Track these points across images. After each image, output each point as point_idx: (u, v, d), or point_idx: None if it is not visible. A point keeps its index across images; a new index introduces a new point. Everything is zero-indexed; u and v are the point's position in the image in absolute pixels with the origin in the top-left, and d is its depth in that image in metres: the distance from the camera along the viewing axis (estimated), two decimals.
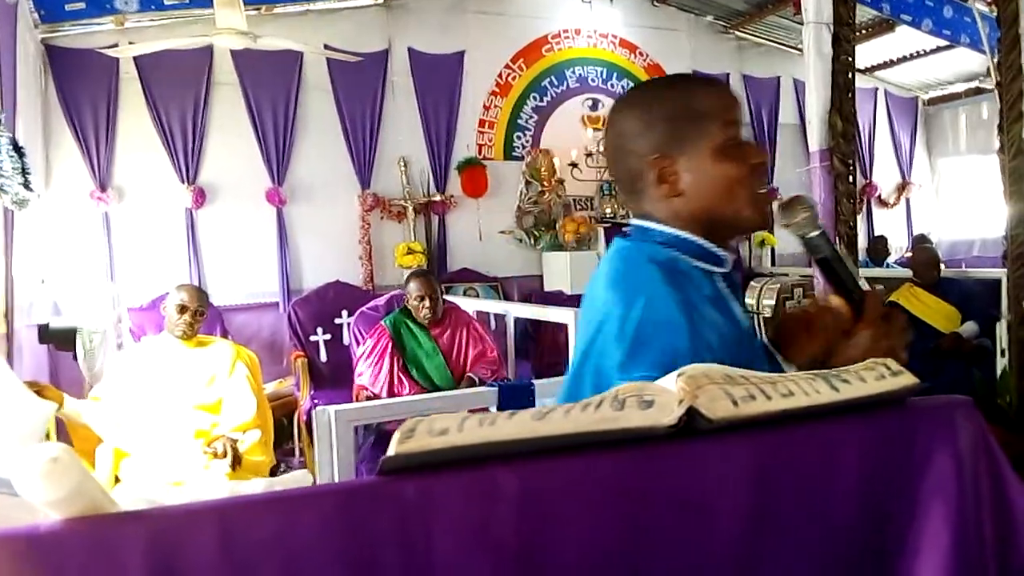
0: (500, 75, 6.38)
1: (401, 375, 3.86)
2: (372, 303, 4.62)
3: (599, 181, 6.19)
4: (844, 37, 3.82)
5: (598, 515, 0.49)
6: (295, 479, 2.36)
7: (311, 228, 5.75)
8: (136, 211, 5.28)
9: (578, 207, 6.28)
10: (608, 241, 5.83)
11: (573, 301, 5.55)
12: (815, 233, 1.15)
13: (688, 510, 0.52)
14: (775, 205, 1.29)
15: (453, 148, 6.14)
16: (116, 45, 5.02)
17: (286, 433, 4.85)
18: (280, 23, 5.53)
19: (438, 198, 6.06)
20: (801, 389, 0.56)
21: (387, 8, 5.97)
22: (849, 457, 0.55)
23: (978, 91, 7.81)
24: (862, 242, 7.57)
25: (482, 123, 6.31)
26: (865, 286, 1.15)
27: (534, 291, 6.16)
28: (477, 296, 6.01)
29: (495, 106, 6.35)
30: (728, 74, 7.30)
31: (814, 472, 0.55)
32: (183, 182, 5.32)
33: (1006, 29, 4.19)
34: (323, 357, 5.23)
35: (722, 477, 0.53)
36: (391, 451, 0.47)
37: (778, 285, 6.43)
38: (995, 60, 4.29)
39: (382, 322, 4.01)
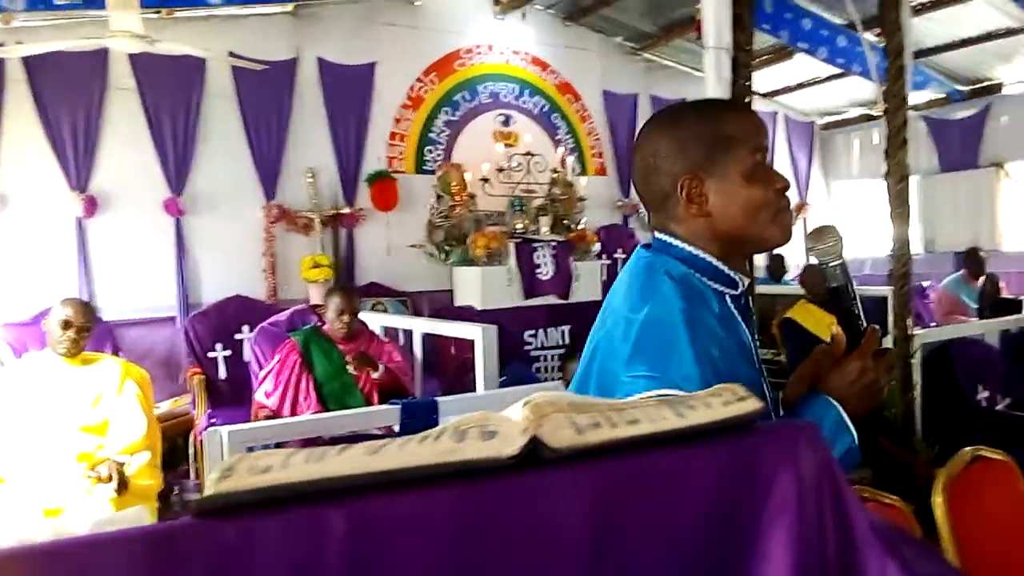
0: (412, 88, 6.35)
1: (307, 393, 3.77)
2: (273, 318, 4.50)
3: (510, 196, 6.21)
4: (742, 62, 3.97)
5: (434, 553, 0.48)
6: (129, 517, 2.24)
7: (211, 240, 5.56)
8: (21, 220, 4.99)
9: (489, 222, 6.28)
10: (519, 256, 5.89)
11: (484, 317, 5.55)
12: (836, 263, 1.24)
13: (531, 543, 0.51)
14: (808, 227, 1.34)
15: (363, 160, 6.06)
16: (2, 44, 4.75)
17: (181, 454, 4.65)
18: (182, 28, 5.35)
19: (347, 211, 5.96)
20: (647, 416, 0.56)
21: (295, 17, 5.85)
22: (696, 483, 0.56)
23: (869, 117, 8.25)
24: (762, 260, 7.87)
25: (393, 136, 6.26)
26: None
27: (445, 306, 6.11)
28: (386, 311, 5.92)
29: (406, 119, 6.31)
30: (637, 95, 7.49)
31: (660, 499, 0.55)
32: (73, 190, 5.06)
33: (892, 60, 4.45)
34: (222, 374, 5.05)
35: (565, 507, 0.52)
36: (208, 490, 0.44)
37: None
38: (883, 89, 4.55)
39: (291, 337, 3.91)
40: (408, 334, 4.78)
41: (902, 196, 4.44)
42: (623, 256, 7.30)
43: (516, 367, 4.73)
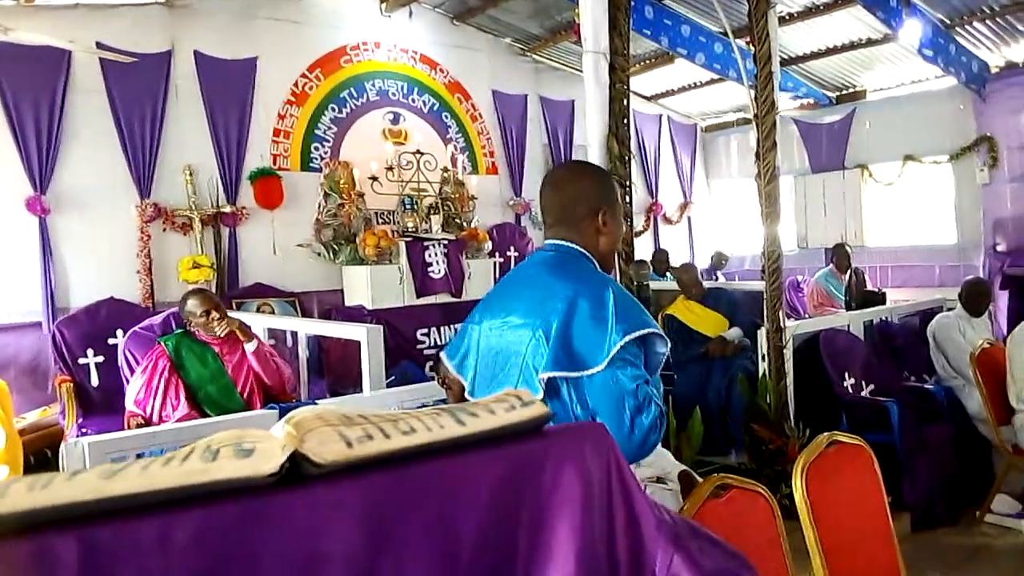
0: (296, 84, 6.19)
1: (181, 399, 3.62)
2: (146, 322, 4.28)
3: (400, 195, 6.15)
4: (620, 66, 4.06)
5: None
6: None
7: (81, 240, 5.25)
8: None
9: (380, 221, 6.21)
10: (410, 255, 5.84)
11: (375, 316, 5.49)
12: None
13: (291, 564, 0.50)
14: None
15: (245, 157, 5.87)
16: None
17: (49, 467, 4.38)
18: (44, 17, 5.03)
19: (228, 209, 5.76)
20: (424, 425, 0.56)
21: (169, 8, 5.60)
22: (477, 489, 0.56)
23: (746, 121, 8.62)
24: (646, 257, 8.10)
25: (277, 132, 6.08)
26: None
27: (334, 306, 6.00)
28: (272, 312, 5.76)
29: (291, 115, 6.15)
30: (526, 95, 7.56)
31: (438, 509, 0.55)
32: None
33: (761, 66, 4.65)
34: (94, 381, 4.79)
35: (333, 525, 0.51)
36: None
37: None
38: (753, 94, 4.76)
39: (160, 342, 3.74)
40: (295, 336, 4.67)
41: (772, 196, 4.66)
42: (515, 254, 7.36)
43: (405, 367, 4.70)
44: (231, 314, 3.95)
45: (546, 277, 1.78)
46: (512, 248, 7.35)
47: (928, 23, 6.07)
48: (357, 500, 0.51)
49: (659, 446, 3.30)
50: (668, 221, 8.85)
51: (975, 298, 4.88)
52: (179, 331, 3.83)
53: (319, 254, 5.94)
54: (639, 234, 8.42)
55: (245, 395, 3.76)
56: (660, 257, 7.49)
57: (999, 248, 6.87)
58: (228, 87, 5.80)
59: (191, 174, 5.62)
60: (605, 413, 1.66)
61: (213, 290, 5.48)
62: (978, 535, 4.05)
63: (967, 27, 6.33)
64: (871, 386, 4.60)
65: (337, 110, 6.39)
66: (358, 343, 3.81)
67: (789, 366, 4.49)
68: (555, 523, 0.56)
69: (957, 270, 6.66)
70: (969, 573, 3.64)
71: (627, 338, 1.61)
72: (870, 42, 6.83)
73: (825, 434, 2.51)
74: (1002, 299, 6.59)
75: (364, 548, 0.51)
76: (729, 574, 0.65)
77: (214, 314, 3.66)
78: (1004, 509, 4.16)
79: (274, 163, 6.02)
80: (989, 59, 6.80)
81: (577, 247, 1.82)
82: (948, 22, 6.26)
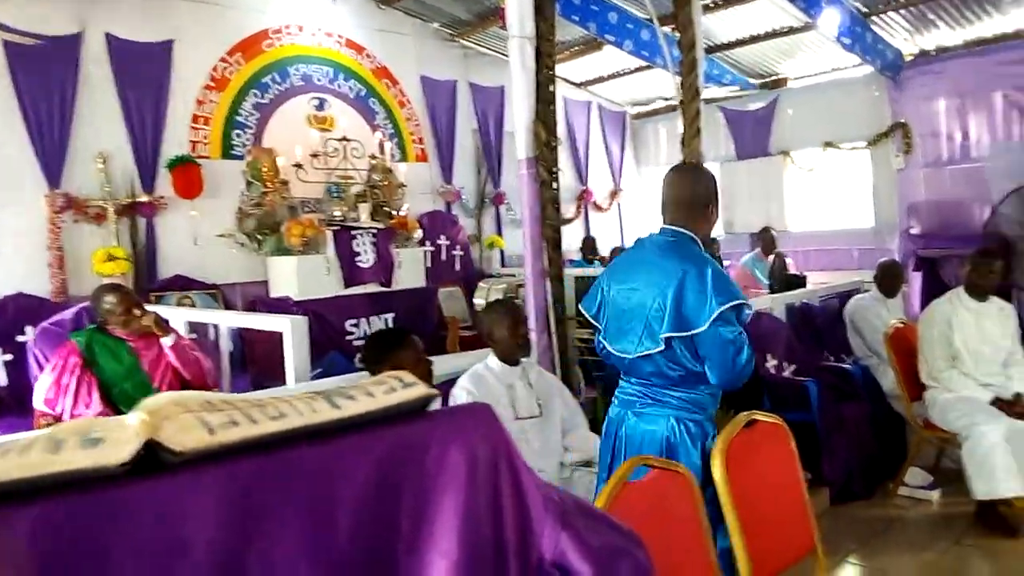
0: (215, 68, 5.99)
1: (94, 397, 3.47)
2: (56, 317, 4.10)
3: (327, 183, 6.03)
4: (546, 52, 4.04)
5: None
6: None
7: None
8: None
9: (305, 209, 6.07)
10: (337, 244, 5.73)
11: (302, 307, 5.37)
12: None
13: (153, 552, 0.47)
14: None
15: (162, 144, 5.65)
16: None
17: None
18: None
19: (145, 199, 5.55)
20: (296, 410, 0.53)
21: None
22: (353, 473, 0.54)
23: (674, 108, 8.72)
24: (576, 243, 8.16)
25: (196, 119, 5.88)
26: None
27: (259, 298, 5.85)
28: (193, 306, 5.59)
29: (210, 101, 5.95)
30: (455, 81, 7.49)
31: (310, 494, 0.52)
32: None
33: (686, 53, 4.69)
34: (2, 381, 4.57)
35: (194, 512, 0.48)
36: None
37: (504, 285, 6.72)
38: (679, 81, 4.80)
39: (71, 338, 3.59)
40: (217, 329, 4.53)
41: None
42: (446, 242, 7.31)
43: (332, 358, 4.61)
44: (149, 308, 3.82)
45: (662, 256, 2.39)
46: (443, 236, 7.29)
47: (846, 12, 6.25)
48: (221, 488, 0.48)
49: (587, 431, 3.34)
50: (599, 208, 8.93)
51: (889, 280, 5.07)
52: (91, 327, 3.68)
53: (242, 244, 5.77)
54: (569, 221, 8.46)
55: (163, 391, 3.64)
56: (588, 244, 7.55)
57: (913, 231, 7.15)
58: (143, 71, 5.57)
59: (104, 162, 5.39)
60: (714, 357, 2.30)
61: (130, 283, 5.29)
62: (892, 507, 4.22)
63: (883, 16, 6.54)
64: (793, 366, 4.73)
65: (259, 95, 6.21)
66: (281, 335, 3.73)
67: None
68: (438, 505, 0.54)
69: (874, 253, 6.90)
70: (884, 544, 3.78)
71: (721, 308, 2.22)
72: (792, 30, 7.00)
73: (744, 413, 2.57)
74: (916, 280, 6.87)
75: (229, 537, 0.48)
76: (617, 551, 0.65)
77: (134, 310, 3.54)
78: (916, 482, 4.33)
79: (193, 150, 5.82)
80: (904, 48, 7.04)
81: (689, 233, 2.40)
82: (865, 11, 6.45)
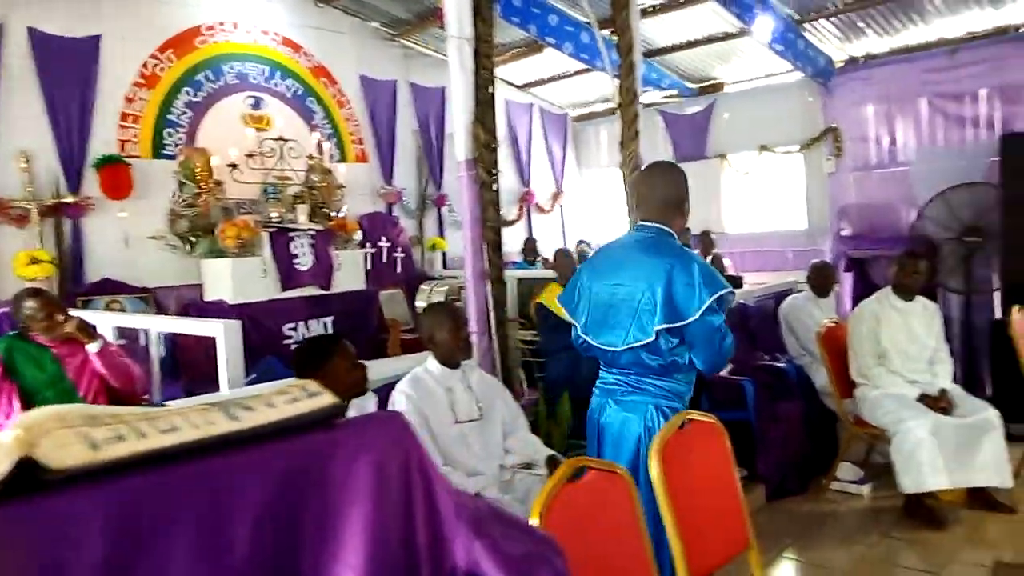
0: (146, 65, 5.81)
1: (14, 407, 3.33)
2: None
3: (263, 183, 5.90)
4: (484, 53, 4.02)
5: None
6: None
7: None
8: None
9: (241, 211, 5.93)
10: (274, 246, 5.60)
11: (237, 311, 5.24)
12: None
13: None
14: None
15: (89, 143, 5.45)
16: None
17: None
18: None
19: (71, 199, 5.34)
20: (189, 423, 0.50)
21: None
22: (253, 485, 0.51)
23: (614, 111, 8.80)
24: (518, 245, 8.18)
25: (125, 117, 5.69)
26: None
27: (193, 301, 5.69)
28: (124, 310, 5.40)
29: (140, 99, 5.77)
30: (395, 81, 7.42)
31: (206, 507, 0.50)
32: None
33: (624, 57, 4.74)
34: None
35: (75, 532, 0.45)
36: None
37: (446, 287, 6.69)
38: (617, 84, 4.85)
39: None
40: (147, 334, 4.39)
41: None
42: (387, 244, 7.23)
43: (268, 363, 4.50)
44: (74, 313, 3.68)
45: (646, 252, 2.50)
46: (384, 238, 7.21)
47: (779, 19, 6.40)
48: (105, 507, 0.45)
49: (529, 433, 3.34)
50: (541, 210, 8.95)
51: (821, 280, 5.20)
52: (12, 333, 3.52)
53: (175, 247, 5.60)
54: (511, 223, 8.47)
55: (89, 398, 3.51)
56: (529, 246, 7.56)
57: (844, 233, 7.36)
58: (68, 67, 5.36)
59: (27, 161, 5.17)
60: (702, 344, 2.47)
61: (55, 287, 5.09)
62: (825, 502, 4.33)
63: (814, 24, 6.71)
64: (729, 366, 4.81)
65: (192, 93, 6.04)
66: (214, 340, 3.63)
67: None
68: (345, 517, 0.52)
69: (808, 254, 7.07)
70: (818, 538, 3.88)
71: (711, 298, 2.37)
72: (728, 36, 7.13)
73: (680, 413, 2.60)
74: (847, 281, 7.07)
75: (114, 559, 0.45)
76: (534, 559, 0.64)
77: (58, 316, 3.40)
78: (848, 476, 4.45)
79: (122, 149, 5.63)
80: (834, 54, 7.24)
81: (667, 228, 2.54)
82: (798, 18, 6.62)
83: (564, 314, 5.51)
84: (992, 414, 3.93)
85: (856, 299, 5.53)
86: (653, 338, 2.45)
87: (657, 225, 2.54)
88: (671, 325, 2.42)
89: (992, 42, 6.40)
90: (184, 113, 5.99)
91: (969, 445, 3.85)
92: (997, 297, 6.01)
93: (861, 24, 6.64)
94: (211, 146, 5.78)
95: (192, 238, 5.58)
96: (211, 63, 6.14)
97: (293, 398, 0.54)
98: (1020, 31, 6.28)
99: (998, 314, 5.87)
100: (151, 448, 0.47)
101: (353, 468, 0.53)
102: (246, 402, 0.54)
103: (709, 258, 6.83)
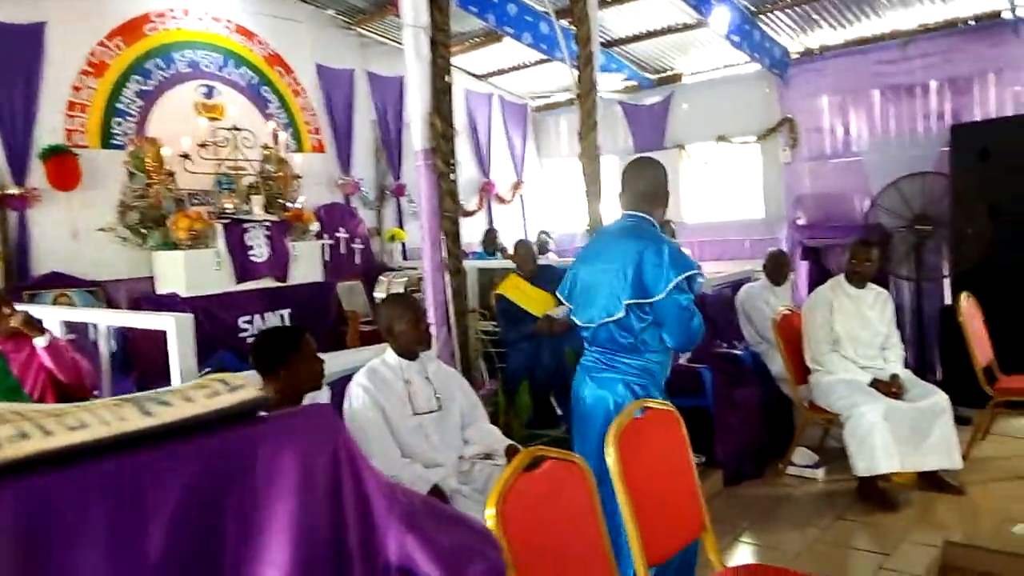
0: (93, 53, 5.64)
1: None
2: None
3: (216, 174, 5.77)
4: (441, 42, 3.98)
5: None
6: None
7: None
8: None
9: (194, 202, 5.80)
10: (228, 238, 5.50)
11: (191, 304, 5.13)
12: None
13: None
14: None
15: (34, 133, 5.28)
16: None
17: None
18: None
19: (15, 191, 5.17)
20: (99, 419, 0.48)
21: None
22: (170, 482, 0.49)
23: (574, 101, 8.82)
24: (478, 236, 8.16)
25: (72, 106, 5.52)
26: None
27: (145, 294, 5.56)
28: (73, 304, 5.26)
29: (88, 87, 5.60)
30: (353, 70, 7.33)
31: (117, 507, 0.47)
32: None
33: (582, 47, 4.73)
34: None
35: None
36: None
37: (406, 278, 6.64)
38: (576, 75, 4.84)
39: None
40: (96, 328, 4.27)
41: (595, 174, 4.77)
42: (345, 235, 7.15)
43: (222, 357, 4.43)
44: (19, 307, 3.57)
45: (624, 237, 2.73)
46: (342, 229, 7.13)
47: (736, 10, 6.45)
48: (10, 508, 0.42)
49: (488, 424, 3.33)
50: (501, 200, 8.93)
51: (776, 269, 5.28)
52: None
53: (125, 239, 5.46)
54: (472, 214, 8.44)
55: (36, 395, 3.41)
56: (490, 237, 7.53)
57: (800, 222, 7.47)
58: (10, 55, 5.18)
59: None
60: (671, 322, 2.65)
61: None
62: (781, 486, 4.40)
63: (770, 15, 6.78)
64: (688, 354, 4.86)
65: (142, 82, 5.89)
66: (165, 333, 3.54)
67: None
68: (269, 513, 0.50)
69: (765, 243, 7.16)
70: (775, 521, 3.94)
71: (678, 277, 2.57)
72: (685, 27, 7.17)
73: (636, 401, 2.61)
74: (803, 269, 7.18)
75: (19, 561, 0.43)
76: (468, 550, 0.63)
77: (3, 309, 3.31)
78: (803, 461, 4.53)
79: (69, 139, 5.46)
80: (790, 46, 7.33)
81: (647, 217, 2.77)
82: (753, 10, 6.68)
83: (525, 304, 5.56)
84: (942, 398, 4.03)
85: (811, 287, 5.62)
86: (623, 314, 2.65)
87: (638, 214, 2.78)
88: (639, 301, 2.62)
89: (942, 35, 6.54)
90: (134, 102, 5.84)
91: (920, 429, 3.95)
92: (947, 284, 6.17)
93: (815, 16, 6.73)
94: (162, 136, 5.63)
95: (143, 230, 5.45)
96: (161, 51, 5.99)
97: (213, 392, 0.52)
98: (969, 24, 6.41)
99: (948, 301, 6.02)
100: (58, 446, 0.45)
101: (277, 463, 0.51)
102: (162, 397, 0.51)
103: None
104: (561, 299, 3.04)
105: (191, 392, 0.52)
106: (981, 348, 4.66)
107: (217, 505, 0.49)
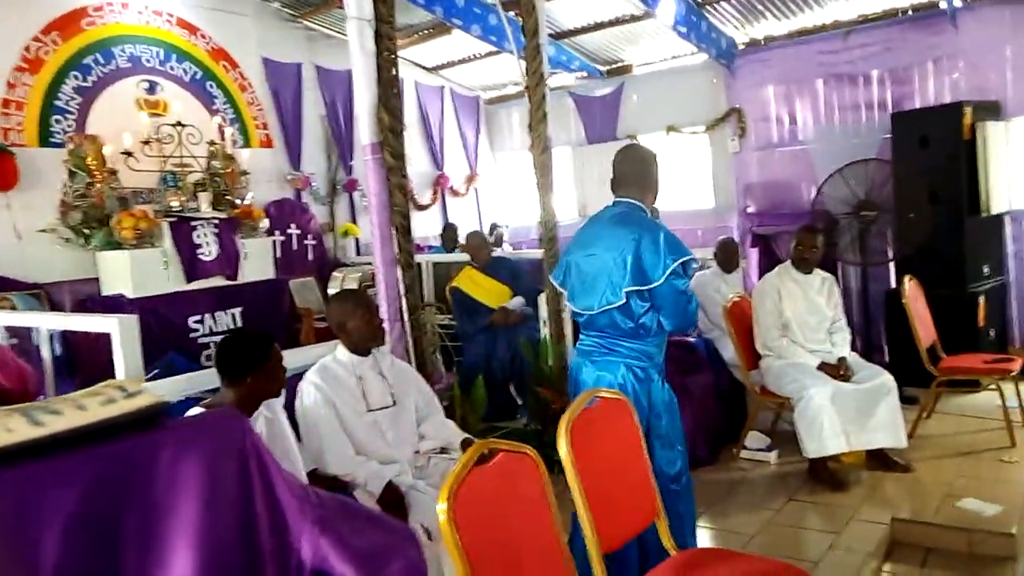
0: (28, 48, 5.45)
1: None
2: None
3: (161, 171, 5.64)
4: (386, 34, 3.94)
5: None
6: None
7: None
8: None
9: (139, 200, 5.66)
10: (175, 236, 5.37)
11: (138, 305, 5.02)
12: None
13: None
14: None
15: None
16: None
17: None
18: None
19: None
20: None
21: None
22: (61, 495, 0.47)
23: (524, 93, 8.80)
24: (437, 230, 8.12)
25: (7, 103, 5.34)
26: None
27: (90, 296, 5.42)
28: (14, 308, 5.09)
29: (23, 84, 5.42)
30: (300, 64, 7.22)
31: (3, 521, 0.45)
32: None
33: (530, 39, 4.72)
34: None
35: None
36: None
37: (359, 274, 6.59)
38: (524, 67, 4.83)
39: None
40: (38, 332, 4.15)
41: (546, 166, 4.77)
42: (297, 232, 7.06)
43: (170, 358, 4.33)
44: None
45: (618, 225, 2.79)
46: (294, 225, 7.03)
47: (681, 2, 6.49)
48: None
49: (443, 418, 3.32)
50: (455, 193, 8.90)
51: (726, 256, 5.35)
52: None
53: (68, 240, 5.30)
54: (426, 207, 8.40)
55: None
56: (450, 234, 7.49)
57: (749, 210, 7.58)
58: None
59: None
60: (668, 307, 2.72)
61: None
62: (735, 470, 4.47)
63: (715, 6, 6.84)
64: None
65: (81, 78, 5.71)
66: (109, 336, 3.46)
67: (568, 329, 4.67)
68: (172, 522, 0.49)
69: (716, 231, 7.26)
70: (729, 503, 4.01)
71: (675, 263, 2.65)
72: (633, 18, 7.20)
73: (587, 391, 2.63)
74: (753, 256, 7.29)
75: None
76: (386, 551, 0.62)
77: None
78: (756, 445, 4.61)
79: (5, 138, 5.28)
80: (736, 36, 7.41)
81: (639, 203, 2.85)
82: (700, 1, 6.73)
83: (480, 296, 5.55)
84: (887, 379, 4.13)
85: (762, 273, 5.71)
86: (624, 300, 2.73)
87: (629, 201, 2.86)
88: (639, 288, 2.70)
89: (882, 25, 6.67)
90: (73, 99, 5.66)
91: (867, 409, 4.04)
92: (892, 268, 6.32)
93: (760, 7, 6.82)
94: (104, 133, 5.47)
95: (86, 230, 5.30)
96: (100, 46, 5.81)
97: (108, 399, 0.50)
98: (908, 14, 6.56)
99: (893, 284, 6.17)
100: None
101: (180, 470, 0.49)
102: (53, 405, 0.50)
103: None
104: (556, 285, 3.13)
105: (84, 400, 0.50)
106: (925, 329, 4.79)
107: (116, 514, 0.47)
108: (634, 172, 2.88)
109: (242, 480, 0.49)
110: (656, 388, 2.89)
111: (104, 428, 0.46)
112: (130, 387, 0.49)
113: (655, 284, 2.68)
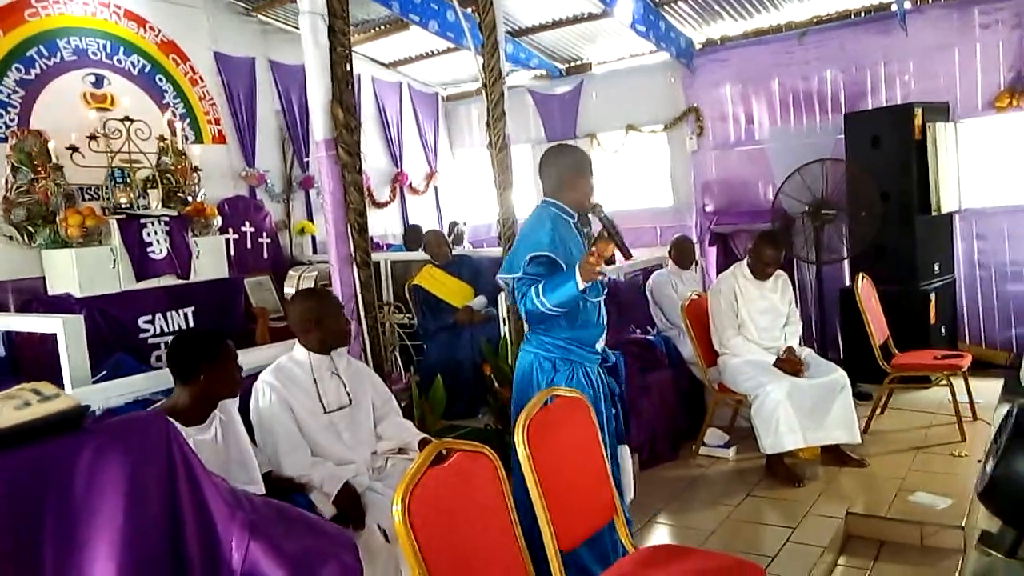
0: None
1: None
2: None
3: (109, 168, 5.47)
4: (339, 29, 3.86)
5: None
6: None
7: None
8: None
9: (86, 197, 5.48)
10: (124, 234, 5.22)
11: (86, 305, 4.88)
12: (603, 215, 2.73)
13: None
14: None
15: None
16: None
17: None
18: None
19: None
20: None
21: None
22: None
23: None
24: (400, 228, 8.05)
25: None
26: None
27: (36, 296, 5.23)
28: None
29: None
30: (254, 58, 7.08)
31: None
32: None
33: (487, 35, 4.68)
34: None
35: None
36: None
37: (316, 272, 6.49)
38: (481, 63, 4.79)
39: None
40: None
41: (504, 164, 4.75)
42: (251, 229, 6.92)
43: (118, 359, 4.20)
44: None
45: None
46: (248, 223, 6.89)
47: (639, 1, 6.52)
48: None
49: (401, 418, 3.27)
50: (415, 191, 8.82)
51: (681, 254, 5.39)
52: None
53: (11, 238, 5.12)
54: (384, 205, 8.31)
55: None
56: (413, 235, 7.41)
57: (707, 209, 7.65)
58: None
59: None
60: (518, 299, 2.87)
61: None
62: (694, 466, 4.50)
63: (673, 5, 6.89)
64: (602, 340, 4.89)
65: (23, 71, 5.51)
66: (55, 336, 3.34)
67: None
68: (93, 529, 0.45)
69: (674, 230, 7.31)
70: (688, 500, 4.03)
71: (525, 257, 2.75)
72: (592, 16, 7.21)
73: (545, 389, 2.61)
74: (711, 254, 7.36)
75: None
76: (318, 554, 0.59)
77: None
78: (714, 441, 4.65)
79: None
80: (694, 36, 7.47)
81: (553, 200, 2.90)
82: (657, 1, 6.77)
83: (443, 294, 5.50)
84: (841, 375, 4.19)
85: (720, 271, 5.76)
86: (505, 288, 3.05)
87: (546, 199, 2.95)
88: (505, 277, 2.91)
89: (836, 26, 6.79)
90: (15, 92, 5.46)
91: (822, 405, 4.10)
92: (847, 266, 6.43)
93: (717, 7, 6.88)
94: (48, 128, 5.29)
95: (31, 228, 5.12)
96: (43, 38, 5.62)
97: (24, 402, 0.46)
98: (861, 16, 6.68)
99: (847, 282, 6.28)
100: None
101: (100, 474, 0.46)
102: None
103: None
104: (500, 283, 3.26)
105: None
106: (878, 326, 4.87)
107: (32, 520, 0.43)
108: (543, 173, 2.96)
109: (167, 483, 0.46)
110: (560, 380, 2.87)
111: (18, 432, 0.43)
112: (46, 391, 0.45)
113: (515, 275, 2.82)
